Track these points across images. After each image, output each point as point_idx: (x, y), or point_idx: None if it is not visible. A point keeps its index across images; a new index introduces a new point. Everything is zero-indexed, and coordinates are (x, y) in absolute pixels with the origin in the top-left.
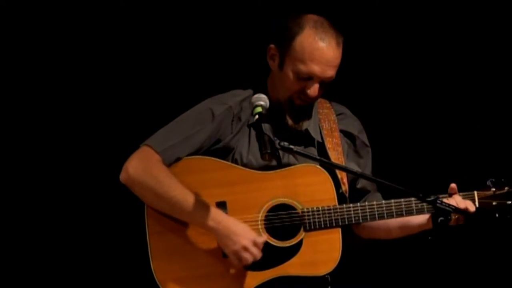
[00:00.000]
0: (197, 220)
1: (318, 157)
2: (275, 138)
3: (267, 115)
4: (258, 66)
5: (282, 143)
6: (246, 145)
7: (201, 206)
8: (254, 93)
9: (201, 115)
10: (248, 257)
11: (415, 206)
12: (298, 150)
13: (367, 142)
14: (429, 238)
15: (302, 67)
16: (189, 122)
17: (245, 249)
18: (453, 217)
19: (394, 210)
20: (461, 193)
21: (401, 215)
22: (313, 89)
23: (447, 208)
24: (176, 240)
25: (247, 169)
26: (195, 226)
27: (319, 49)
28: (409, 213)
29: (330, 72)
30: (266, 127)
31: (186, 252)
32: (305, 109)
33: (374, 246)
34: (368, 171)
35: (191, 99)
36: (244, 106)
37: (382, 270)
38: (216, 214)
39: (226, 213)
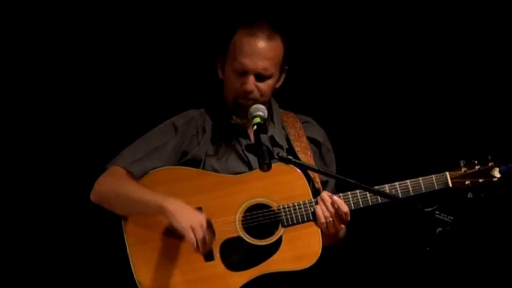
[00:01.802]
0: (152, 206)
1: (317, 168)
2: (274, 149)
3: (265, 126)
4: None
5: (280, 154)
6: (215, 156)
7: (156, 194)
8: (211, 106)
9: (164, 129)
10: (200, 234)
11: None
12: (297, 161)
13: (331, 148)
14: (428, 249)
15: (235, 63)
16: (154, 137)
17: (201, 226)
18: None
19: (368, 199)
20: (433, 175)
21: (367, 204)
22: (249, 83)
23: (446, 219)
24: (156, 249)
25: (220, 174)
26: (174, 234)
27: (248, 42)
28: (374, 201)
29: (262, 64)
30: (264, 137)
31: (168, 260)
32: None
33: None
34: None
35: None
36: (207, 118)
37: (364, 262)
38: (168, 197)
39: None
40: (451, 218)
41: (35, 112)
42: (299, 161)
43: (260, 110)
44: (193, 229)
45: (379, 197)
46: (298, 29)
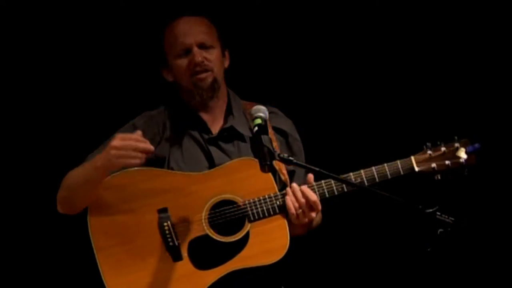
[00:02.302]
0: (93, 173)
1: (317, 169)
2: (275, 150)
3: (266, 127)
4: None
5: (281, 155)
6: (179, 153)
7: (91, 161)
8: (169, 105)
9: (124, 130)
10: (124, 153)
11: (336, 187)
12: (298, 162)
13: (298, 138)
14: (428, 250)
15: (175, 50)
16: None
17: (116, 148)
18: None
19: (334, 188)
20: (398, 160)
21: (333, 194)
22: (195, 55)
23: (447, 220)
24: (123, 252)
25: (184, 173)
26: (141, 236)
27: (177, 25)
28: (331, 193)
29: (198, 34)
30: (265, 138)
31: (136, 263)
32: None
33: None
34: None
35: None
36: (166, 116)
37: (364, 263)
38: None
39: (168, 218)
40: (452, 219)
41: (32, 113)
42: (301, 163)
43: (261, 111)
44: (115, 156)
45: (344, 186)
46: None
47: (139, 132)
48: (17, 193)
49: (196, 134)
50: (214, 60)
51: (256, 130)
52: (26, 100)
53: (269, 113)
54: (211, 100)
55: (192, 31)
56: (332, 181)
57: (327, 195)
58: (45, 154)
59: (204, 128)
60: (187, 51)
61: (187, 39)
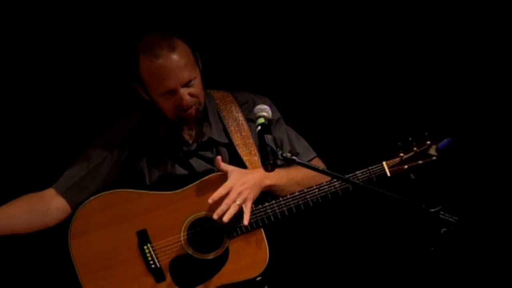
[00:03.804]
0: None
1: (320, 169)
2: (278, 149)
3: (269, 126)
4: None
5: (284, 154)
6: (158, 167)
7: None
8: (149, 115)
9: (101, 145)
10: None
11: (328, 189)
12: (301, 161)
13: (277, 114)
14: (432, 249)
15: (158, 89)
16: (91, 156)
17: None
18: None
19: (309, 198)
20: (370, 167)
21: (317, 202)
22: (182, 98)
23: (450, 219)
24: (107, 277)
25: (160, 193)
26: (123, 259)
27: (159, 67)
28: (324, 198)
29: (184, 75)
30: (268, 138)
31: (122, 286)
32: (199, 121)
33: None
34: (288, 139)
35: None
36: (146, 125)
37: (368, 262)
38: None
39: (148, 240)
40: (456, 218)
41: (34, 113)
42: (304, 162)
43: (264, 111)
44: None
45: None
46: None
47: None
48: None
49: (176, 147)
50: (198, 91)
51: (259, 130)
52: (26, 100)
53: (242, 105)
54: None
55: (174, 72)
56: (335, 182)
57: (310, 204)
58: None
59: (182, 142)
60: (172, 92)
61: (172, 82)
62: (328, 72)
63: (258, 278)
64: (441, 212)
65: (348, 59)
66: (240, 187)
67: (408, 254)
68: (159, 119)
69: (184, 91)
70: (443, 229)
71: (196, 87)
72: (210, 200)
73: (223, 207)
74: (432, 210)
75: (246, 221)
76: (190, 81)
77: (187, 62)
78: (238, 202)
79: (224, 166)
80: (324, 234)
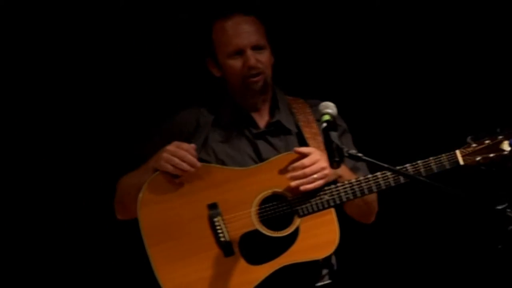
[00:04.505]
0: (143, 173)
1: (386, 165)
2: (343, 146)
3: (335, 123)
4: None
5: (350, 151)
6: (227, 147)
7: (147, 163)
8: (210, 101)
9: (168, 127)
10: (173, 159)
11: (393, 179)
12: (367, 158)
13: (344, 126)
14: (499, 247)
15: (228, 49)
16: (158, 139)
17: (169, 152)
18: None
19: (378, 183)
20: (443, 154)
21: (388, 186)
22: (250, 58)
23: None
24: (175, 248)
25: (232, 168)
26: (192, 230)
27: (229, 25)
28: (396, 181)
29: (252, 36)
30: (334, 135)
31: (188, 258)
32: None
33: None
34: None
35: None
36: (214, 110)
37: (433, 260)
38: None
39: (219, 213)
40: None
41: (36, 113)
42: (368, 158)
43: (329, 108)
44: (164, 159)
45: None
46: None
47: (193, 146)
48: (73, 193)
49: (243, 128)
50: (266, 61)
51: (325, 127)
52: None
53: (313, 107)
54: (265, 90)
55: (246, 31)
56: (388, 173)
57: (383, 187)
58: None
59: (251, 122)
60: (240, 52)
61: (241, 41)
62: (399, 68)
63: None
64: (508, 210)
65: (423, 53)
66: (324, 163)
67: (474, 252)
68: (228, 101)
69: (252, 53)
70: (511, 227)
71: (266, 57)
72: (290, 169)
73: (302, 176)
74: (499, 207)
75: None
76: (259, 46)
77: (258, 29)
78: (316, 176)
79: (304, 147)
80: (389, 227)
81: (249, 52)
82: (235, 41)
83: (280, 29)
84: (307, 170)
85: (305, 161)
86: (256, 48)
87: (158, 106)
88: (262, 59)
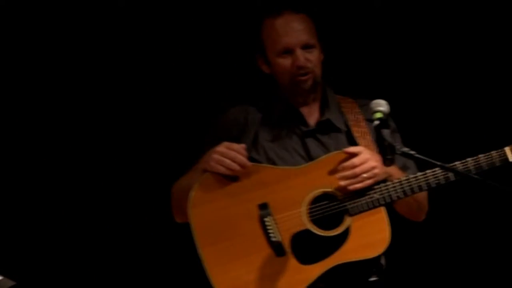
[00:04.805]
0: (194, 175)
1: (438, 163)
2: (396, 144)
3: (387, 121)
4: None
5: (402, 149)
6: (276, 145)
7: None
8: (265, 100)
9: (216, 130)
10: (224, 160)
11: (443, 176)
12: (419, 155)
13: (393, 125)
14: None
15: (277, 47)
16: (207, 139)
17: (219, 153)
18: None
19: (428, 181)
20: (493, 151)
21: (438, 184)
22: (299, 58)
23: None
24: (226, 249)
25: (281, 167)
26: (243, 231)
27: (278, 23)
28: (437, 183)
29: (302, 35)
30: (386, 132)
31: (239, 259)
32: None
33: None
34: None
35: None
36: (264, 107)
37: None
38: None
39: (269, 213)
40: None
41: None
42: (420, 156)
43: (381, 105)
44: (214, 161)
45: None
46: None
47: (243, 146)
48: (126, 196)
49: (293, 126)
50: (315, 60)
51: (377, 124)
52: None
53: (362, 106)
54: (314, 89)
55: (296, 30)
56: (438, 171)
57: (433, 185)
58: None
59: (301, 120)
60: (289, 51)
61: (291, 39)
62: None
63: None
64: None
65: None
66: (374, 162)
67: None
68: (275, 99)
69: (301, 52)
70: None
71: (315, 56)
72: (340, 168)
73: (352, 175)
74: None
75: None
76: (309, 45)
77: (309, 29)
78: (366, 175)
79: (353, 147)
80: (439, 226)
81: (298, 52)
82: (284, 40)
83: (331, 26)
84: (357, 170)
85: (355, 160)
86: (306, 47)
87: (207, 104)
88: (311, 58)
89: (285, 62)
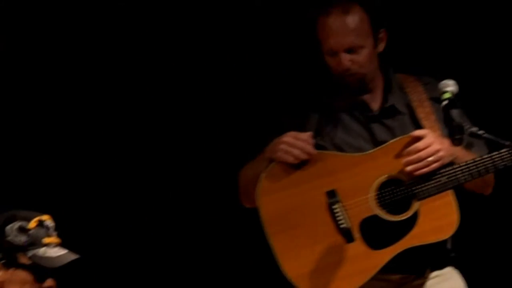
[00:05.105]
0: (260, 163)
1: (507, 142)
2: (465, 124)
3: (455, 101)
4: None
5: (471, 129)
6: (341, 131)
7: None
8: (328, 88)
9: (281, 118)
10: (291, 150)
11: (510, 158)
12: (488, 135)
13: (460, 105)
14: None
15: (324, 47)
16: (273, 127)
17: (287, 144)
18: None
19: (495, 163)
20: None
21: (496, 168)
22: (342, 61)
23: None
24: (296, 237)
25: (347, 154)
26: (312, 218)
27: (326, 24)
28: (504, 164)
29: (345, 39)
30: (454, 113)
31: (309, 245)
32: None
33: None
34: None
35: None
36: (325, 95)
37: None
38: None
39: (338, 200)
40: None
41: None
42: (489, 136)
43: (450, 86)
44: (282, 151)
45: None
46: None
47: (310, 134)
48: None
49: (357, 112)
50: (362, 60)
51: (445, 104)
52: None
53: (425, 84)
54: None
55: (341, 33)
56: (505, 152)
57: (500, 167)
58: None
59: (364, 106)
60: (334, 53)
61: (334, 43)
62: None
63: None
64: None
65: None
66: (438, 145)
67: None
68: (337, 87)
69: (344, 56)
70: None
71: (362, 56)
72: (405, 153)
73: (417, 160)
74: None
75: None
76: (353, 48)
77: (357, 29)
78: (431, 159)
79: (419, 131)
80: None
81: (342, 55)
82: (329, 42)
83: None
84: (422, 154)
85: (419, 144)
86: (350, 50)
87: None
88: (358, 59)
89: (332, 61)
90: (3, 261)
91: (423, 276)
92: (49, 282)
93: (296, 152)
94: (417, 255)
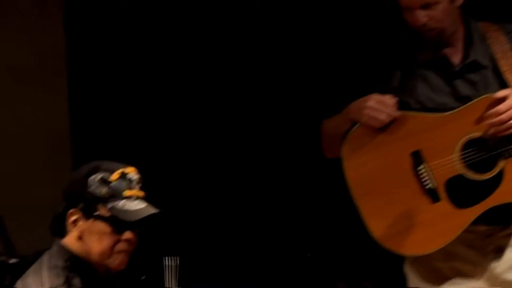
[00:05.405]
0: (342, 121)
1: None
2: None
3: None
4: None
5: None
6: (423, 88)
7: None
8: (409, 43)
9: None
10: (375, 115)
11: None
12: None
13: None
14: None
15: (401, 3)
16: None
17: (372, 109)
18: None
19: None
20: None
21: None
22: (417, 18)
23: None
24: (381, 198)
25: (429, 115)
26: (396, 179)
27: None
28: None
29: None
30: None
31: (394, 207)
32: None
33: None
34: None
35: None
36: (405, 52)
37: None
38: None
39: (423, 161)
40: None
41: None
42: None
43: None
44: (367, 116)
45: None
46: None
47: (394, 97)
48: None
49: (439, 67)
50: (439, 15)
51: None
52: None
53: (508, 33)
54: (446, 37)
55: None
56: None
57: None
58: None
59: (445, 61)
60: (410, 9)
61: (409, 0)
62: None
63: None
64: None
65: None
66: None
67: None
68: (418, 42)
69: (420, 13)
70: None
71: (438, 11)
72: (486, 115)
73: (499, 122)
74: None
75: None
76: (428, 4)
77: None
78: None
79: (501, 92)
80: None
81: (417, 12)
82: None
83: None
84: (503, 117)
85: (501, 107)
86: (425, 6)
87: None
88: (434, 14)
89: (409, 17)
90: (84, 211)
91: (509, 226)
92: (128, 234)
93: (382, 117)
94: (503, 207)
